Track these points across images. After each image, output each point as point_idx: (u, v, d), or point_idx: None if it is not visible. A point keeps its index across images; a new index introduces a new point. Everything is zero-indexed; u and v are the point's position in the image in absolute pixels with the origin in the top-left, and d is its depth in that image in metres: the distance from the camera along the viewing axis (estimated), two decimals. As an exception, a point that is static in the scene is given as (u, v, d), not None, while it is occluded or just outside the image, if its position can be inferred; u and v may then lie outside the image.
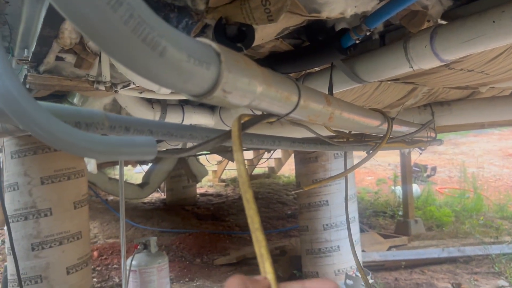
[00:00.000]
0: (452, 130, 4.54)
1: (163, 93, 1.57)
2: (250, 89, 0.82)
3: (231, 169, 15.04)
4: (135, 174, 16.15)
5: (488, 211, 8.88)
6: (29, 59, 1.69)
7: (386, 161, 14.32)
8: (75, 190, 4.60)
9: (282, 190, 12.68)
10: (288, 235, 8.45)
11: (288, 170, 15.37)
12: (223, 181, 14.36)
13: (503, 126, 7.74)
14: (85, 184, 4.96)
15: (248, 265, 6.80)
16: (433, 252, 6.57)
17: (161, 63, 0.64)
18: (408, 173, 8.28)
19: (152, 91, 1.69)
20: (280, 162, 14.48)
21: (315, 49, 1.53)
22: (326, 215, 5.98)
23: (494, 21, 1.17)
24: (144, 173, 14.01)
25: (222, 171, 14.44)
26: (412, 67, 1.42)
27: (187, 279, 6.51)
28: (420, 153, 3.21)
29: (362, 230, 7.04)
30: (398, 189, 9.70)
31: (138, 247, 5.53)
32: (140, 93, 1.86)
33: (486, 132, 18.70)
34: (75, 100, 2.36)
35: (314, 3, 1.11)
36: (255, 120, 0.91)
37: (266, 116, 0.96)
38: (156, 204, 11.31)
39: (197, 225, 9.31)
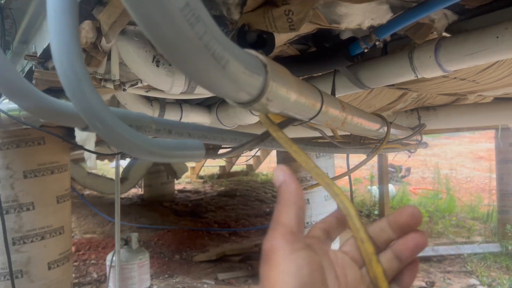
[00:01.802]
0: (433, 133, 4.69)
1: (174, 93, 1.61)
2: (287, 97, 0.87)
3: (209, 166, 15.04)
4: (112, 168, 15.98)
5: (460, 212, 9.17)
6: (37, 55, 1.69)
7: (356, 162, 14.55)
8: (58, 185, 4.56)
9: (261, 188, 12.76)
10: (267, 233, 8.52)
11: (266, 168, 15.49)
12: (201, 177, 14.35)
13: (481, 130, 8.01)
14: (68, 179, 4.91)
15: (228, 262, 6.85)
16: (407, 251, 6.76)
17: (223, 75, 0.69)
18: (385, 173, 8.48)
19: (161, 91, 1.72)
20: (258, 160, 14.57)
21: (322, 55, 1.60)
22: (307, 213, 6.08)
23: (497, 37, 1.26)
24: (120, 168, 13.80)
25: (200, 168, 14.44)
26: (417, 76, 1.50)
27: (166, 276, 6.51)
28: (409, 156, 3.33)
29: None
30: (374, 189, 9.91)
31: (119, 242, 5.50)
32: (147, 91, 1.90)
33: (457, 135, 19.25)
34: (73, 96, 2.36)
35: (335, 15, 1.17)
36: (285, 123, 0.97)
37: (291, 121, 1.02)
38: (134, 200, 11.23)
39: (176, 222, 9.29)
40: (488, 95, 2.46)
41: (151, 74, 1.54)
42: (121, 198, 11.45)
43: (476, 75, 1.90)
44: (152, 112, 2.32)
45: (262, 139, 0.96)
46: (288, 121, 1.01)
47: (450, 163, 14.65)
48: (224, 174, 14.77)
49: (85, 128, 0.75)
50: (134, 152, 0.69)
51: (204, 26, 0.60)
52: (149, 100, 2.33)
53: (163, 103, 2.36)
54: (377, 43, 1.39)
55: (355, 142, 1.86)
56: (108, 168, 15.75)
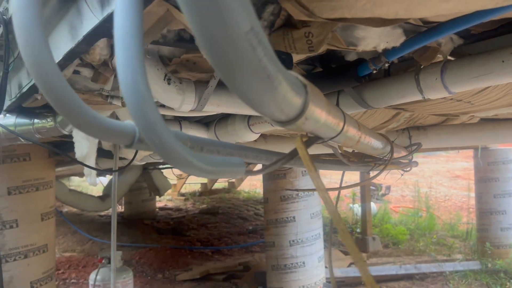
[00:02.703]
0: (417, 152, 4.79)
1: (183, 110, 1.62)
2: (319, 117, 0.90)
3: (191, 183, 14.94)
4: (90, 185, 15.72)
5: (440, 229, 9.31)
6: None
7: (343, 179, 14.68)
8: (43, 202, 4.48)
9: (243, 206, 12.72)
10: (250, 251, 8.48)
11: (248, 185, 15.46)
12: (182, 195, 14.23)
13: (464, 149, 8.19)
14: (53, 196, 4.83)
15: (211, 280, 6.77)
16: (391, 269, 6.81)
17: (275, 95, 0.72)
18: (367, 191, 8.57)
19: (168, 108, 1.73)
20: (240, 178, 14.54)
21: (330, 75, 1.64)
22: (293, 231, 6.08)
23: (503, 61, 1.32)
24: (99, 184, 13.57)
25: (182, 185, 14.32)
26: (424, 97, 1.56)
27: (149, 295, 6.41)
28: (402, 174, 3.40)
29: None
30: (356, 207, 10.00)
31: (103, 261, 5.40)
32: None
33: (435, 154, 19.64)
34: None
35: (352, 38, 1.21)
36: (310, 142, 0.99)
37: (315, 139, 1.05)
38: (114, 217, 11.04)
39: (158, 240, 9.17)
40: (480, 116, 2.55)
41: (162, 92, 1.55)
42: (101, 216, 11.26)
43: (472, 97, 1.97)
44: (151, 129, 2.32)
45: (292, 157, 0.99)
46: (313, 140, 1.04)
47: (429, 181, 14.89)
48: (206, 191, 14.69)
49: (129, 145, 0.76)
50: (186, 168, 0.70)
51: (264, 49, 0.63)
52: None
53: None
54: (386, 64, 1.44)
55: (360, 160, 1.91)
56: (86, 185, 15.48)
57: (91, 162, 2.15)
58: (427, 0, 0.87)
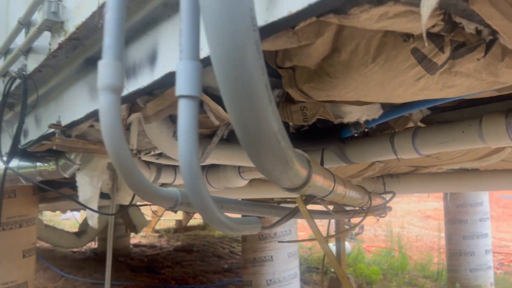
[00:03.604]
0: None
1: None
2: (318, 183, 1.13)
3: (165, 219, 14.85)
4: (62, 220, 15.46)
5: (412, 269, 9.54)
6: (62, 125, 1.88)
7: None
8: (25, 239, 4.51)
9: (218, 243, 12.70)
10: (225, 290, 8.49)
11: (223, 223, 15.44)
12: (157, 231, 14.11)
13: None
14: (35, 232, 4.86)
15: (188, 319, 6.76)
16: (366, 309, 6.96)
17: (288, 169, 0.94)
18: (341, 226, 8.78)
19: (171, 159, 1.94)
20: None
21: (317, 134, 1.88)
22: (270, 270, 6.20)
23: (463, 131, 1.59)
24: (72, 219, 13.33)
25: (156, 222, 14.22)
26: (397, 157, 1.81)
27: (125, 334, 6.35)
28: (378, 220, 3.63)
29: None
30: (330, 246, 10.18)
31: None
32: (157, 158, 2.10)
33: (406, 194, 20.11)
34: (72, 157, 2.52)
35: (340, 112, 1.46)
36: (308, 200, 1.21)
37: (311, 198, 1.26)
38: (87, 254, 10.88)
39: (132, 277, 9.07)
40: (447, 168, 2.84)
41: (171, 147, 1.76)
42: (73, 252, 11.07)
43: (438, 153, 2.25)
44: (149, 174, 2.51)
45: (294, 214, 1.20)
46: (310, 198, 1.26)
47: (401, 221, 15.22)
48: (181, 228, 14.61)
49: (172, 208, 0.96)
50: (220, 227, 0.91)
51: (284, 139, 0.86)
52: (147, 163, 2.52)
53: (160, 167, 2.55)
54: (365, 129, 1.69)
55: (342, 210, 2.14)
56: (58, 220, 15.22)
57: (94, 205, 2.30)
58: (401, 94, 1.12)
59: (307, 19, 0.87)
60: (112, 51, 0.84)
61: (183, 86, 0.82)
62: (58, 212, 12.15)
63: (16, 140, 2.09)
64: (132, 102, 1.60)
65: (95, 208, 2.29)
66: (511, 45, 0.92)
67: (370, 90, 1.10)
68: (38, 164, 2.62)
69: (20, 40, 2.32)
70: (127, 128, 1.93)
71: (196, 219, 15.32)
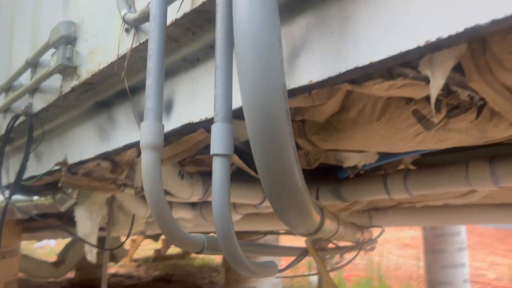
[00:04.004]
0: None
1: (191, 200, 1.91)
2: (327, 228, 1.23)
3: (144, 248, 14.63)
4: (37, 249, 15.09)
5: (392, 299, 9.61)
6: (68, 163, 1.95)
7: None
8: (8, 270, 4.45)
9: (197, 273, 12.56)
10: (206, 322, 8.39)
11: (203, 251, 15.29)
12: (135, 260, 13.86)
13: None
14: (17, 264, 4.79)
15: None
16: None
17: (306, 219, 1.04)
18: (324, 260, 8.85)
19: (174, 196, 2.02)
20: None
21: (314, 174, 2.00)
22: (255, 301, 6.19)
23: (451, 175, 1.73)
24: (47, 247, 12.98)
25: (135, 250, 14.00)
26: (390, 197, 1.93)
27: None
28: (365, 253, 3.74)
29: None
30: (313, 278, 10.18)
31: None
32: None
33: (390, 227, 20.25)
34: (69, 191, 2.57)
35: (340, 157, 1.58)
36: (315, 242, 1.31)
37: (318, 240, 1.36)
38: (63, 284, 10.62)
39: (110, 309, 8.89)
40: (431, 204, 2.99)
41: (175, 185, 1.84)
42: (49, 282, 10.79)
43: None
44: (146, 208, 2.57)
45: (305, 255, 1.30)
46: (316, 241, 1.36)
47: (379, 249, 15.33)
48: (159, 257, 14.40)
49: (198, 252, 1.05)
50: (244, 271, 1.00)
51: (306, 190, 0.96)
52: (144, 199, 2.59)
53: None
54: (361, 172, 1.81)
55: (336, 246, 2.25)
56: (33, 248, 14.83)
57: (93, 240, 2.35)
58: (400, 147, 1.25)
59: (324, 87, 0.99)
60: (154, 113, 0.94)
61: (218, 146, 0.92)
62: (33, 240, 11.88)
63: (20, 175, 2.14)
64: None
65: (94, 243, 2.33)
66: (499, 110, 1.05)
67: (374, 143, 1.23)
68: (35, 197, 2.66)
69: (25, 78, 2.40)
70: (132, 167, 2.01)
71: (174, 248, 15.14)
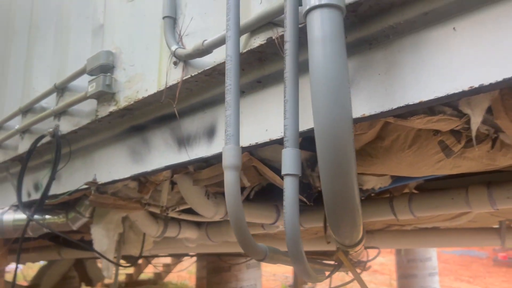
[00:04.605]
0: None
1: (214, 219, 2.05)
2: (362, 240, 1.40)
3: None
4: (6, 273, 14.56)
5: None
6: (98, 183, 2.07)
7: (269, 271, 14.92)
8: (-7, 292, 4.40)
9: (171, 299, 12.38)
10: None
11: (176, 276, 15.12)
12: (106, 286, 13.55)
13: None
14: (3, 286, 4.73)
15: None
16: None
17: (355, 231, 1.21)
18: (300, 284, 8.96)
19: (197, 215, 2.16)
20: (168, 268, 14.23)
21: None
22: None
23: (452, 198, 1.95)
24: (13, 271, 12.61)
25: (107, 275, 13.68)
26: (397, 218, 2.14)
27: None
28: (361, 272, 3.92)
29: None
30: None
31: None
32: (179, 214, 2.31)
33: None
34: (82, 209, 2.67)
35: (361, 181, 1.78)
36: (346, 253, 1.48)
37: (347, 252, 1.53)
38: (34, 309, 10.29)
39: (83, 335, 8.68)
40: (421, 227, 3.21)
41: (202, 205, 1.99)
42: (18, 307, 10.43)
43: (419, 214, 2.60)
44: (157, 227, 2.69)
45: (340, 266, 1.46)
46: (346, 252, 1.53)
47: (349, 275, 15.48)
48: (131, 282, 14.13)
49: (261, 260, 1.21)
50: (306, 276, 1.16)
51: (360, 202, 1.13)
52: (155, 217, 2.71)
53: (167, 221, 2.74)
54: (372, 194, 2.01)
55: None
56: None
57: (111, 257, 2.43)
58: (422, 172, 1.46)
59: (373, 120, 1.19)
60: (234, 139, 1.11)
61: (288, 166, 1.09)
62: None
63: (45, 194, 2.23)
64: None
65: (112, 258, 2.42)
66: (510, 142, 1.27)
67: (401, 168, 1.43)
68: (47, 216, 2.73)
69: (45, 101, 2.51)
70: (156, 187, 2.15)
71: (146, 273, 14.87)
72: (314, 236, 3.25)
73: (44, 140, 2.40)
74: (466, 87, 0.99)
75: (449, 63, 1.05)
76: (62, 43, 2.55)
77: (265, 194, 2.15)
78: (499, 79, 0.94)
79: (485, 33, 1.01)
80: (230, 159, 1.09)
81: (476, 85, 0.97)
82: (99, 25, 2.24)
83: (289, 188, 1.09)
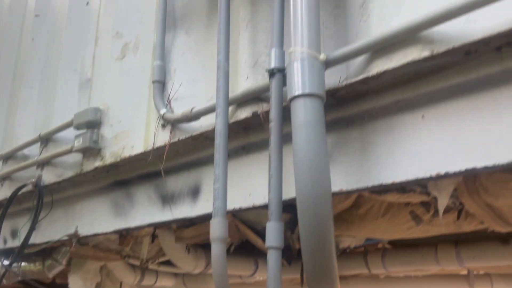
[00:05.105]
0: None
1: (194, 272, 2.10)
2: None
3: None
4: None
5: None
6: (80, 235, 2.09)
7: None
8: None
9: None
10: None
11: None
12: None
13: None
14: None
15: None
16: None
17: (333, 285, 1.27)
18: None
19: (175, 267, 2.19)
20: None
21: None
22: None
23: (422, 256, 2.06)
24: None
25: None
26: (370, 272, 2.22)
27: None
28: None
29: None
30: None
31: None
32: (159, 266, 2.33)
33: None
34: (59, 257, 2.66)
35: (338, 241, 1.87)
36: None
37: None
38: None
39: None
40: (396, 275, 3.32)
41: (182, 259, 2.03)
42: None
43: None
44: (134, 276, 2.69)
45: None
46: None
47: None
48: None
49: None
50: None
51: (336, 264, 1.21)
52: (133, 266, 2.72)
53: (144, 270, 2.75)
54: (348, 250, 2.10)
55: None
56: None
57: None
58: (394, 236, 1.56)
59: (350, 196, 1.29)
60: (221, 211, 1.19)
61: (272, 239, 1.17)
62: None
63: (24, 245, 2.23)
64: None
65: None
66: (477, 216, 1.39)
67: (376, 233, 1.52)
68: (23, 263, 2.71)
69: (29, 149, 2.55)
70: (137, 239, 2.18)
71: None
72: (289, 284, 3.30)
73: (25, 189, 2.41)
74: (433, 173, 1.10)
75: (419, 148, 1.16)
76: (47, 92, 2.60)
77: (244, 246, 2.21)
78: (462, 169, 1.05)
79: (450, 124, 1.12)
80: (217, 232, 1.17)
81: (442, 173, 1.08)
82: (86, 79, 2.32)
83: (272, 261, 1.16)
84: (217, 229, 1.17)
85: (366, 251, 2.28)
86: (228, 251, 2.17)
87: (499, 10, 0.98)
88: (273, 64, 1.29)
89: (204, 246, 2.22)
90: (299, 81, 1.13)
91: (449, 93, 1.13)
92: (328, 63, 1.21)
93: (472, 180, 1.18)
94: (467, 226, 1.52)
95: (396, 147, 1.21)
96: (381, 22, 1.23)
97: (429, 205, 1.43)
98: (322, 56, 1.18)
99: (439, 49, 1.06)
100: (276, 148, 1.23)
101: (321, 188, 1.09)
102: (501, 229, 1.42)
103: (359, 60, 1.24)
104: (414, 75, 1.16)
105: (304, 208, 1.09)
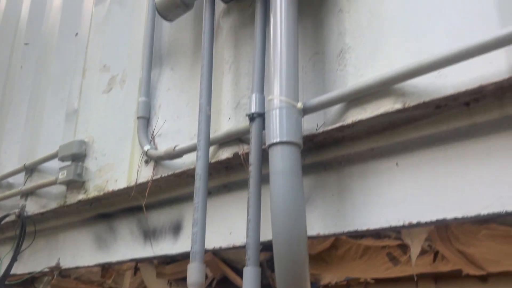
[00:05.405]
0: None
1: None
2: None
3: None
4: None
5: None
6: (62, 268, 2.08)
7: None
8: None
9: None
10: None
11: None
12: None
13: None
14: None
15: None
16: None
17: None
18: None
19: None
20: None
21: None
22: None
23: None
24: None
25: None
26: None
27: None
28: None
29: None
30: None
31: None
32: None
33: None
34: (41, 287, 2.63)
35: (319, 277, 1.88)
36: None
37: None
38: None
39: None
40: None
41: (164, 293, 2.03)
42: None
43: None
44: (117, 308, 2.67)
45: None
46: None
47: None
48: None
49: None
50: None
51: None
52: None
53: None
54: (329, 285, 2.11)
55: None
56: None
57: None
58: (373, 276, 1.58)
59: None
60: (199, 256, 1.20)
61: (248, 284, 1.18)
62: None
63: (5, 275, 2.22)
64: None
65: None
66: (450, 260, 1.42)
67: (353, 273, 1.54)
68: (3, 294, 2.67)
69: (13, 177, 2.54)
70: (119, 272, 2.18)
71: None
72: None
73: (8, 218, 2.40)
74: (406, 222, 1.12)
75: (393, 195, 1.19)
76: (34, 121, 2.61)
77: (226, 281, 2.21)
78: (433, 219, 1.08)
79: (423, 172, 1.16)
80: (193, 277, 1.18)
81: (414, 222, 1.11)
82: (73, 110, 2.33)
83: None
84: (193, 274, 1.18)
85: (348, 285, 2.29)
86: (210, 285, 2.17)
87: (469, 65, 1.03)
88: (253, 109, 1.32)
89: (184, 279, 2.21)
90: (276, 129, 1.17)
91: (421, 143, 1.17)
92: (306, 111, 1.24)
93: (444, 229, 1.21)
94: (444, 267, 1.54)
95: (371, 194, 1.23)
96: (357, 72, 1.27)
97: (406, 247, 1.45)
98: (299, 105, 1.21)
99: (411, 102, 1.10)
100: (254, 192, 1.26)
101: (297, 233, 1.11)
102: (475, 272, 1.45)
103: (336, 107, 1.28)
104: (388, 124, 1.20)
105: (280, 251, 1.11)
